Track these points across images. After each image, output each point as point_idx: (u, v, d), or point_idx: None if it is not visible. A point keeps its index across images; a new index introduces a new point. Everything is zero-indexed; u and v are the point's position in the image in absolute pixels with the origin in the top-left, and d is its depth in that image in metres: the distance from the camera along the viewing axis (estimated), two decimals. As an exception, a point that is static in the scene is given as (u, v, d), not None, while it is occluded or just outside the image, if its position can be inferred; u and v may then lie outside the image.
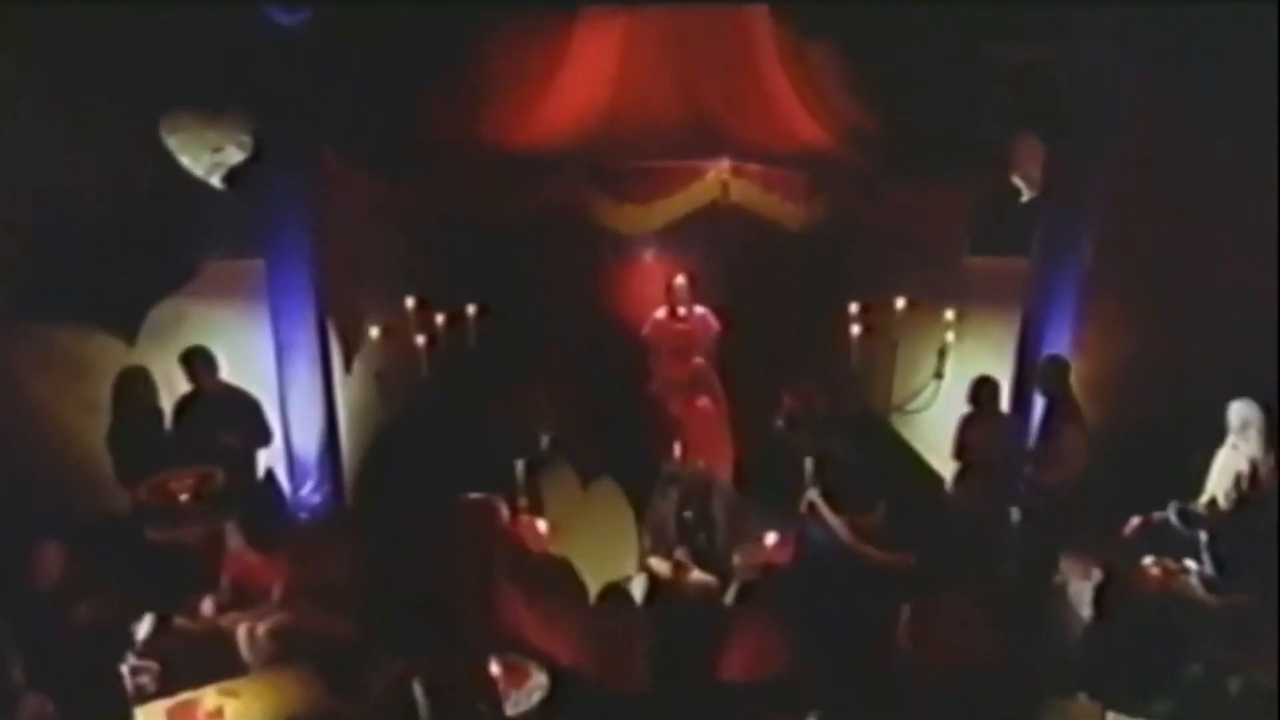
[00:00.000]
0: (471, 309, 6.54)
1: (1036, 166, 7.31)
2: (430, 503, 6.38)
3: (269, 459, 6.86)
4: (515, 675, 5.14)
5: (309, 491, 7.02)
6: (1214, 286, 7.24)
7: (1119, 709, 4.87)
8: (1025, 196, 7.36)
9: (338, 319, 6.76)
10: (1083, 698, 4.98)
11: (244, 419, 6.55)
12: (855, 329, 6.39)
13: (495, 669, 5.05)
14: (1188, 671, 5.02)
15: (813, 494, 5.48)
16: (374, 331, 6.35)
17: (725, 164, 5.74)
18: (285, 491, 6.97)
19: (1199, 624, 5.54)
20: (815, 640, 5.49)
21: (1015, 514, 6.86)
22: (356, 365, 6.85)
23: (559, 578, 5.99)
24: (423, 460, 6.56)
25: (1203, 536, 6.17)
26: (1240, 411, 6.11)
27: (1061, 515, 6.70)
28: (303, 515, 6.94)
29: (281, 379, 6.89)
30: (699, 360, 6.68)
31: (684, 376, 6.65)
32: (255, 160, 6.61)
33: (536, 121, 5.92)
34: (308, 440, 6.97)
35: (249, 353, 6.85)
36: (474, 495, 6.25)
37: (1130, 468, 7.05)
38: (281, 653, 5.43)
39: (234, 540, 5.96)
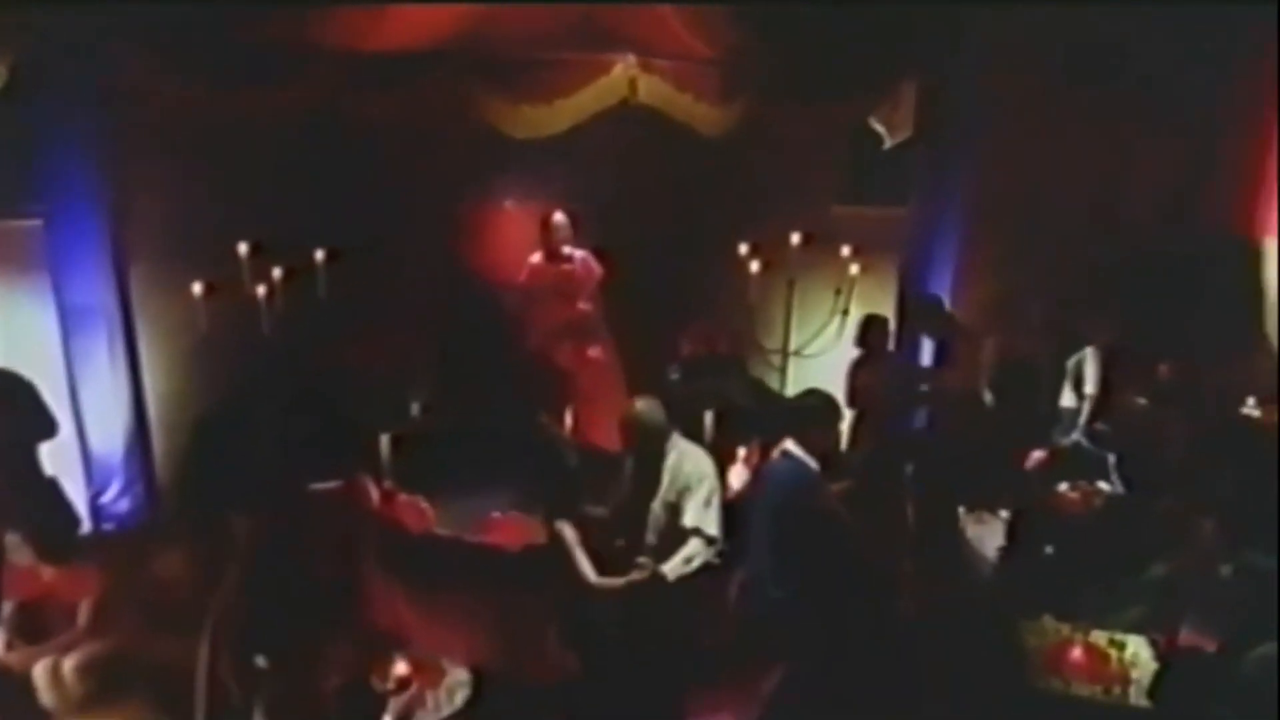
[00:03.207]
0: (320, 254, 5.51)
1: (899, 113, 7.20)
2: (280, 493, 5.33)
3: (55, 464, 5.46)
4: (428, 674, 4.18)
5: (113, 498, 5.67)
6: (1086, 223, 7.48)
7: (1089, 624, 4.59)
8: (887, 144, 7.26)
9: (144, 278, 5.50)
10: (1049, 619, 4.68)
11: (13, 405, 5.16)
12: (754, 265, 5.85)
13: (402, 669, 4.07)
14: (1148, 575, 4.81)
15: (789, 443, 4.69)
16: (196, 288, 5.16)
17: (632, 58, 5.05)
18: (80, 501, 5.58)
19: (1128, 535, 5.41)
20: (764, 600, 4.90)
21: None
22: (173, 333, 5.60)
23: (451, 561, 5.12)
24: (266, 442, 5.46)
25: (1111, 458, 6.16)
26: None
27: (956, 458, 6.58)
28: (107, 526, 5.59)
29: (70, 360, 5.54)
30: (585, 306, 5.93)
31: (569, 324, 5.88)
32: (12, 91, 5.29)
33: (396, 19, 4.98)
34: (109, 434, 5.64)
35: (21, 331, 5.49)
36: (334, 481, 5.29)
37: (1015, 404, 7.13)
38: (99, 690, 4.30)
39: (20, 555, 4.63)
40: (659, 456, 4.48)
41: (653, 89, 5.05)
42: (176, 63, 5.06)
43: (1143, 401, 6.81)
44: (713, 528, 4.54)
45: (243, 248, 5.25)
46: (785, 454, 4.44)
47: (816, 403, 4.52)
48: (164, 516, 5.73)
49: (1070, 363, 6.87)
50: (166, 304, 5.55)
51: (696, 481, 4.54)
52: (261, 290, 5.22)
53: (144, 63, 4.94)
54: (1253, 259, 7.86)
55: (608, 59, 5.02)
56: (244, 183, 5.53)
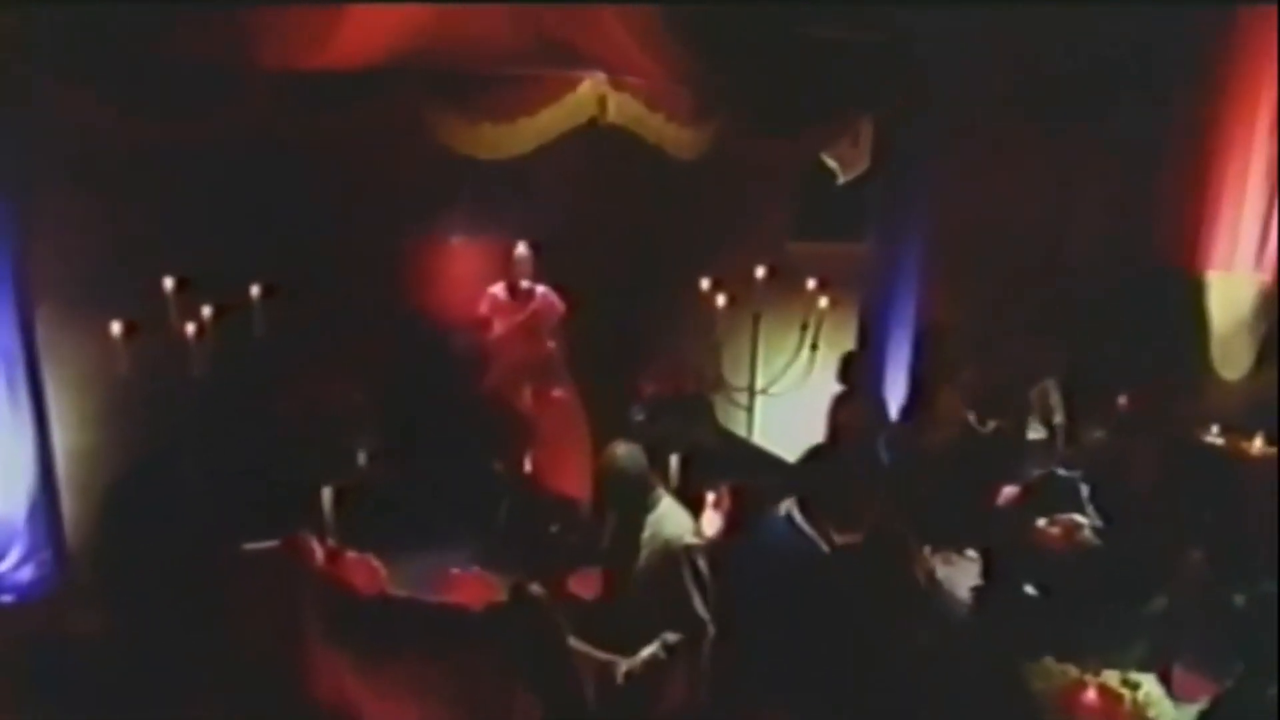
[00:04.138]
0: (255, 290, 5.05)
1: (855, 148, 7.13)
2: (210, 556, 4.80)
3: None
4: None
5: (14, 566, 5.04)
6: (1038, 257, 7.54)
7: (1093, 662, 4.37)
8: (841, 179, 7.17)
9: (53, 318, 4.96)
10: (1050, 661, 4.45)
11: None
12: (721, 300, 5.59)
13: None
14: (1147, 610, 4.62)
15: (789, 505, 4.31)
16: (115, 328, 4.65)
17: (601, 75, 4.75)
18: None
19: (1118, 570, 5.25)
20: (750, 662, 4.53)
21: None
22: (87, 380, 5.08)
23: (406, 625, 4.64)
24: (193, 499, 4.94)
25: (1084, 490, 6.03)
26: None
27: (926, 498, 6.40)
28: (6, 599, 4.95)
29: (-40, 411, 4.93)
30: (549, 344, 5.57)
31: (530, 363, 5.50)
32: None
33: (341, 33, 4.60)
34: (9, 494, 5.02)
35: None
36: (272, 540, 4.75)
37: (979, 440, 7.01)
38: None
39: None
40: (641, 511, 4.03)
41: (623, 108, 4.73)
42: (94, 83, 4.60)
43: (1100, 434, 6.77)
44: (701, 608, 3.97)
45: (168, 283, 4.77)
46: (789, 518, 4.07)
47: (826, 466, 4.21)
48: (75, 587, 5.11)
49: (1033, 395, 6.79)
50: (79, 347, 5.02)
51: (679, 548, 3.96)
52: (190, 330, 4.74)
53: (55, 82, 4.46)
54: (1195, 291, 7.97)
55: (575, 75, 4.71)
56: (170, 212, 5.06)
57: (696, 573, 3.99)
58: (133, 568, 4.98)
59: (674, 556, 3.94)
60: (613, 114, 4.68)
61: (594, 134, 5.05)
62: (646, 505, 4.05)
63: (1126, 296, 7.88)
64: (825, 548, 3.97)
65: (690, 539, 4.05)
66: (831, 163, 7.02)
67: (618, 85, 4.70)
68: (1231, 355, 7.90)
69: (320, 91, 4.54)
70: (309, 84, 4.56)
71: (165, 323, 4.74)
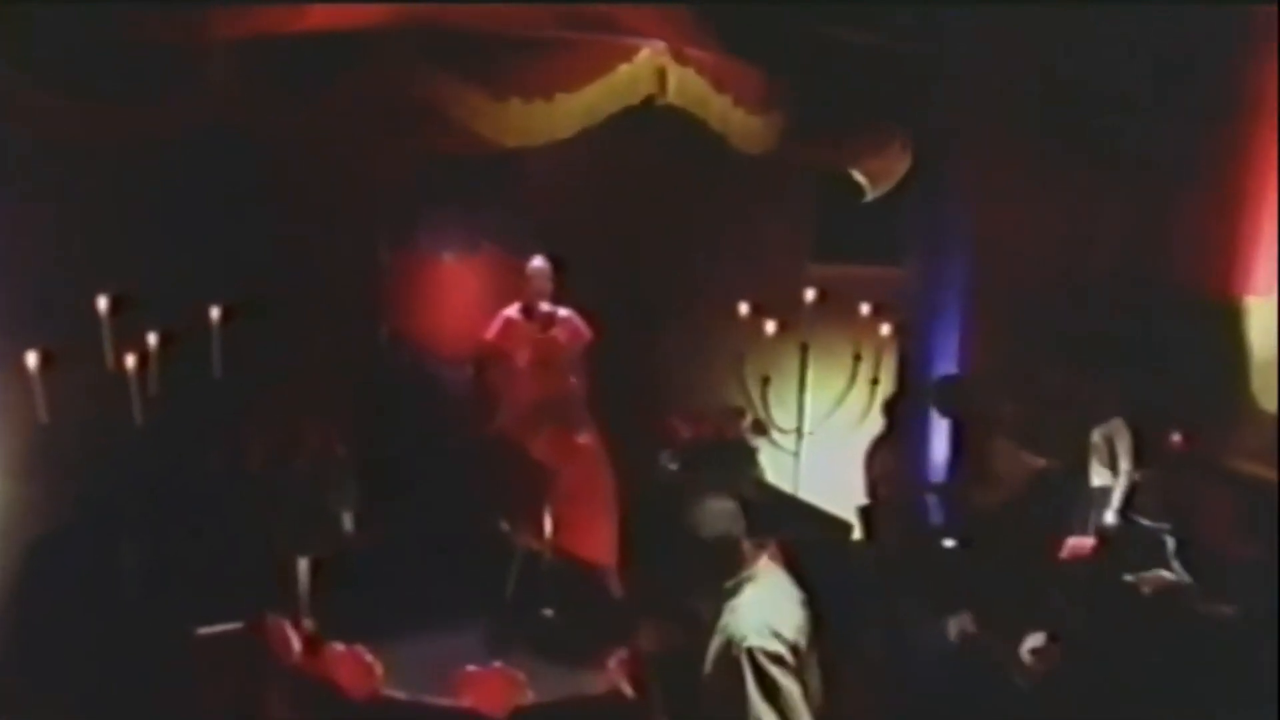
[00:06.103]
0: (215, 312, 4.24)
1: (883, 161, 6.57)
2: (153, 640, 4.07)
3: None
4: None
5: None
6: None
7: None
8: (869, 195, 6.59)
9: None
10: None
11: None
12: (770, 327, 4.98)
13: None
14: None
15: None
16: (31, 361, 3.79)
17: (661, 44, 3.79)
18: None
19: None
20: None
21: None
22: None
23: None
24: (133, 571, 4.18)
25: (1169, 543, 5.40)
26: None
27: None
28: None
29: None
30: (573, 380, 4.76)
31: (550, 402, 4.67)
32: None
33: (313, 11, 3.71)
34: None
35: None
36: (232, 623, 4.07)
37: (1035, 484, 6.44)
38: None
39: None
40: (726, 591, 3.04)
41: (686, 85, 3.76)
42: (10, 58, 3.71)
43: (1150, 473, 6.21)
44: None
45: (103, 303, 3.96)
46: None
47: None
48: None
49: (1096, 436, 6.20)
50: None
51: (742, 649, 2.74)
52: (130, 362, 3.94)
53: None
54: (1234, 318, 7.56)
55: (630, 42, 3.77)
56: (105, 218, 4.26)
57: (767, 684, 2.98)
58: (55, 656, 4.16)
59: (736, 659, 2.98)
60: (673, 92, 3.78)
61: (614, 125, 4.22)
62: (737, 583, 3.08)
63: (1164, 323, 7.43)
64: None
65: (765, 642, 3.02)
66: (860, 178, 6.45)
67: (681, 58, 3.79)
68: (1271, 385, 7.48)
69: (293, 61, 3.62)
70: (279, 52, 3.66)
71: (98, 353, 3.95)
